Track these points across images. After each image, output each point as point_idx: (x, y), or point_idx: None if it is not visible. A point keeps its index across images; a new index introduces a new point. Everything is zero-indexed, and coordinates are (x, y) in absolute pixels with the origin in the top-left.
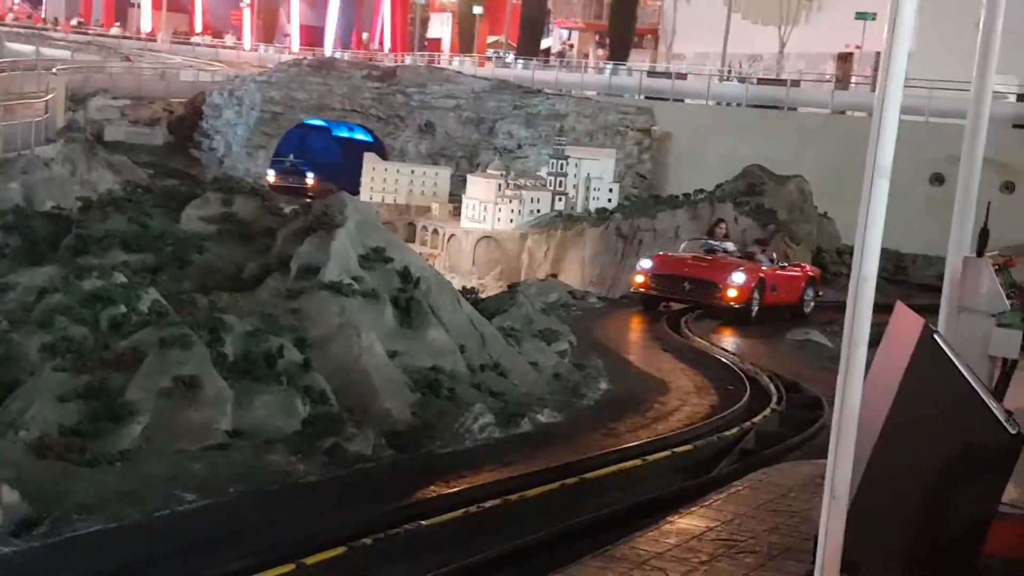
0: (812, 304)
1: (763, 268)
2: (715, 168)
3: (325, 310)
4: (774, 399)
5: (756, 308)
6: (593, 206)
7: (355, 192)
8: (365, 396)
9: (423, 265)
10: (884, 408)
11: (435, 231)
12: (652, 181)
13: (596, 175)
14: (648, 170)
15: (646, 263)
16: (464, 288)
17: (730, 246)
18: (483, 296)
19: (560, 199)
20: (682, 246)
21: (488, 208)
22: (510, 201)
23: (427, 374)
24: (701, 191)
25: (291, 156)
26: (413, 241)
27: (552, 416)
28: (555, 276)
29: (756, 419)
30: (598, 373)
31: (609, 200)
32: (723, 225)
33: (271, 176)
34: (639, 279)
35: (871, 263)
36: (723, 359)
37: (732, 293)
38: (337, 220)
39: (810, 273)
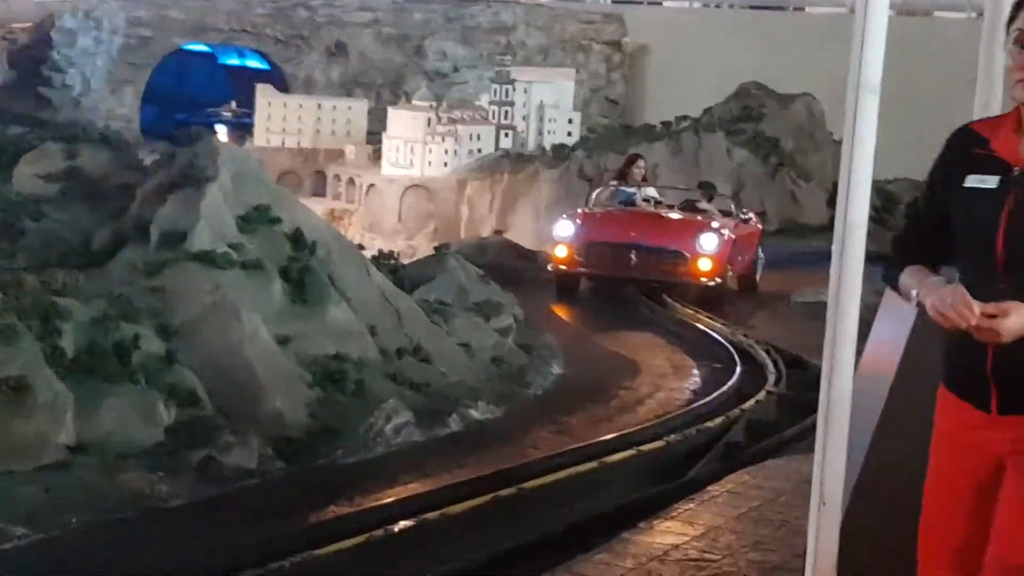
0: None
1: (728, 225)
2: (702, 88)
3: (194, 287)
4: (771, 379)
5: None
6: (548, 142)
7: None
8: (248, 395)
9: (321, 225)
10: (882, 390)
11: (350, 181)
12: (624, 107)
13: (551, 102)
14: (619, 94)
15: (564, 227)
16: (380, 253)
17: (652, 192)
18: (408, 262)
19: (507, 135)
20: (591, 196)
21: (416, 149)
22: (443, 139)
23: (327, 364)
24: (685, 118)
25: (232, 103)
26: (323, 195)
27: (489, 411)
28: (501, 233)
29: (746, 405)
30: (550, 354)
31: (569, 134)
32: (641, 163)
33: (222, 134)
34: (559, 251)
35: (859, 207)
36: (709, 330)
37: (704, 265)
38: (207, 172)
39: (759, 227)
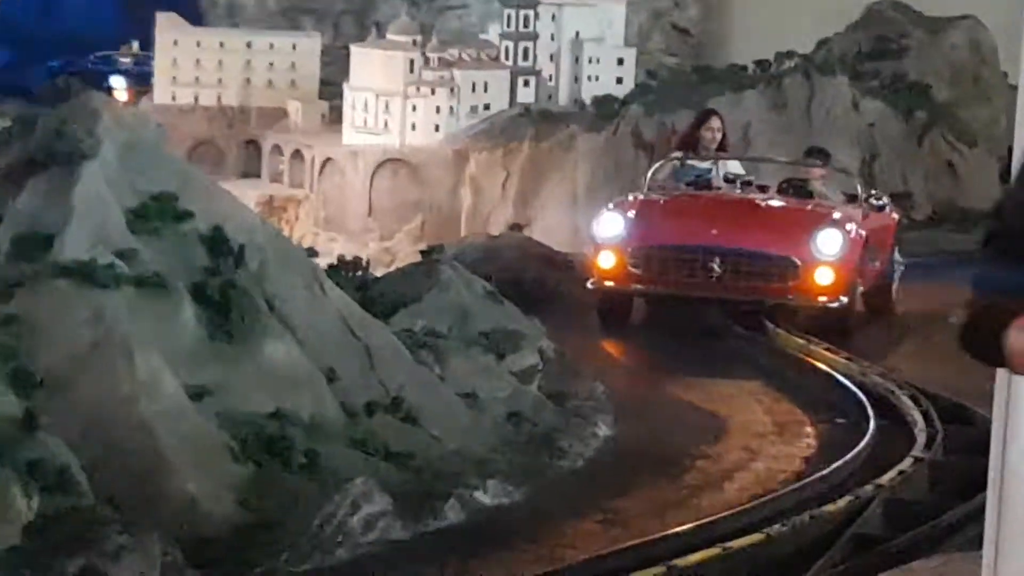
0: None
1: (855, 217)
2: (815, 10)
3: (66, 316)
4: (920, 439)
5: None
6: (589, 93)
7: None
8: (146, 473)
9: (252, 222)
10: None
11: (296, 154)
12: (701, 40)
13: (592, 35)
14: (693, 19)
15: (611, 223)
16: (341, 261)
17: (736, 167)
18: (383, 273)
19: (527, 83)
20: (648, 175)
21: (392, 107)
22: (433, 91)
23: (263, 426)
24: (789, 54)
25: (134, 44)
26: (256, 174)
27: (503, 493)
28: (521, 228)
29: (884, 479)
30: (594, 408)
31: (619, 80)
32: (717, 124)
33: (120, 91)
34: (604, 260)
35: None
36: (830, 370)
37: (823, 277)
38: (82, 146)
39: (894, 216)
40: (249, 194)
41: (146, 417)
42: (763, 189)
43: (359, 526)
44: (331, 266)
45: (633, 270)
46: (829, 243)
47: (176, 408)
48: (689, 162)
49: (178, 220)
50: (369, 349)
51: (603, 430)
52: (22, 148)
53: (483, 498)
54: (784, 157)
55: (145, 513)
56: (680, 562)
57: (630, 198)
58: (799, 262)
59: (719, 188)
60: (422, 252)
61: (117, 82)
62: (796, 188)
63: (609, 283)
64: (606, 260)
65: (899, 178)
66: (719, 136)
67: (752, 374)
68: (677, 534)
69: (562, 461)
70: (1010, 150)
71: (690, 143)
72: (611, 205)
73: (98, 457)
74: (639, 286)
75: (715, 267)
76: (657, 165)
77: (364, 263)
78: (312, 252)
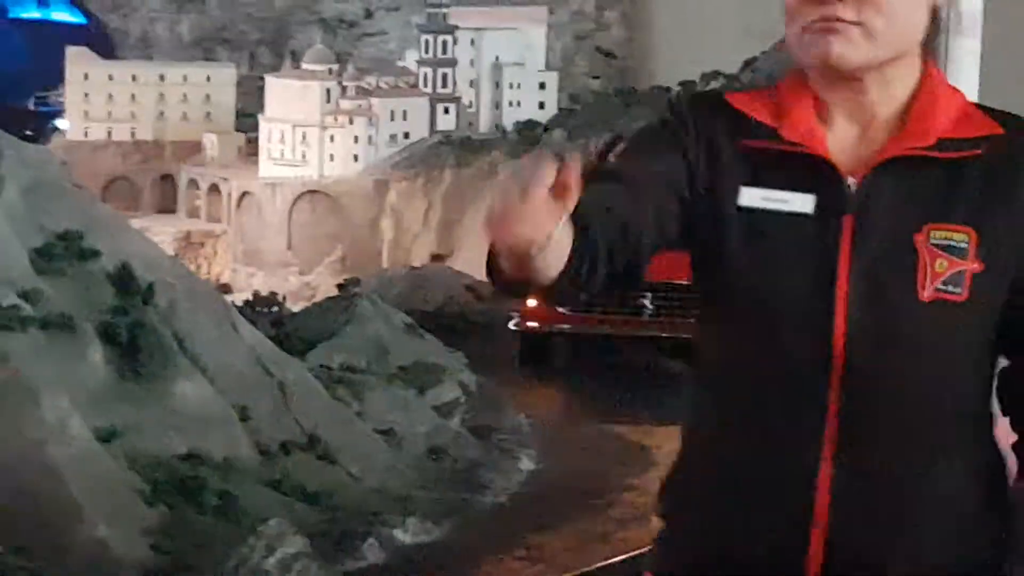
0: None
1: None
2: (738, 30)
3: None
4: None
5: None
6: (511, 119)
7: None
8: (55, 519)
9: (160, 259)
10: None
11: (213, 188)
12: (625, 63)
13: (512, 59)
14: (617, 41)
15: None
16: (256, 297)
17: None
18: (299, 308)
19: (447, 110)
20: None
21: (310, 137)
22: (351, 121)
23: (175, 467)
24: (716, 75)
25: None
26: (173, 210)
27: (423, 531)
28: (443, 258)
29: None
30: (517, 441)
31: (541, 105)
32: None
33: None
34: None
35: None
36: None
37: None
38: None
39: None
40: (166, 230)
41: (54, 461)
42: None
43: (275, 568)
44: (246, 302)
45: (559, 310)
46: None
47: (85, 451)
48: None
49: (84, 259)
50: (283, 386)
51: (526, 464)
52: None
53: (403, 536)
54: None
55: (54, 560)
56: None
57: None
58: None
59: None
60: (339, 286)
61: (63, 123)
62: None
63: (534, 325)
64: (532, 300)
65: None
66: None
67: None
68: (601, 569)
69: (484, 496)
70: None
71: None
72: None
73: (4, 503)
74: (566, 327)
75: (646, 303)
76: None
77: (280, 298)
78: (226, 288)
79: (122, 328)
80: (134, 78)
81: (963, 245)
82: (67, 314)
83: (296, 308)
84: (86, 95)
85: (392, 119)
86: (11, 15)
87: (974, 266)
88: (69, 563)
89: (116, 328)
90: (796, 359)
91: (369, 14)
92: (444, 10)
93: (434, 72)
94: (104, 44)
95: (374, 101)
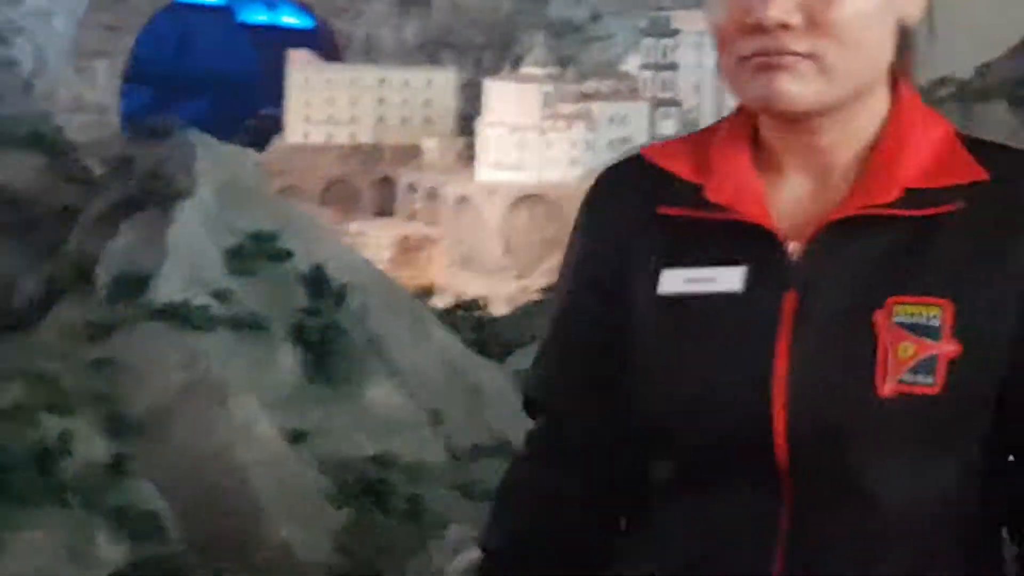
0: None
1: None
2: (974, 35)
3: (159, 358)
4: None
5: None
6: None
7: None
8: (240, 519)
9: (353, 262)
10: None
11: (431, 192)
12: None
13: None
14: None
15: None
16: (459, 303)
17: None
18: (506, 312)
19: (667, 114)
20: None
21: (529, 141)
22: (570, 125)
23: (364, 470)
24: (944, 81)
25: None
26: (390, 213)
27: None
28: None
29: None
30: None
31: None
32: None
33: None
34: None
35: None
36: None
37: None
38: (179, 186)
39: None
40: (383, 233)
41: (241, 463)
42: None
43: (457, 573)
44: (450, 307)
45: None
46: None
47: (272, 453)
48: None
49: (277, 260)
50: (477, 390)
51: None
52: (120, 190)
53: None
54: None
55: (237, 558)
56: None
57: None
58: None
59: None
60: (543, 291)
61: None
62: None
63: None
64: None
65: None
66: None
67: None
68: None
69: None
70: None
71: None
72: None
73: (190, 503)
74: None
75: None
76: None
77: (481, 304)
78: (430, 291)
79: (314, 330)
80: (354, 82)
81: (935, 323)
82: (258, 314)
83: (509, 312)
84: (307, 99)
85: (611, 123)
86: (240, 20)
87: (949, 348)
88: (252, 563)
89: (308, 329)
90: (738, 469)
91: (596, 17)
92: (667, 13)
93: (655, 76)
94: (330, 48)
95: (593, 105)
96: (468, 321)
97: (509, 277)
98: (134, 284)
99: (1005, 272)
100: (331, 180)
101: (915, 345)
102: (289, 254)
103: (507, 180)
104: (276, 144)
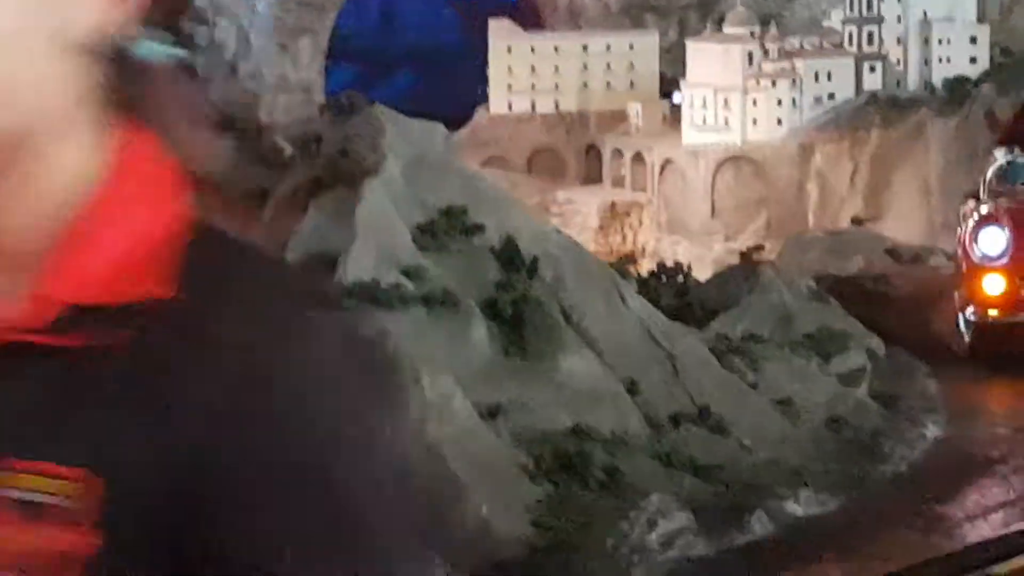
0: None
1: None
2: None
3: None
4: None
5: None
6: (940, 76)
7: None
8: (436, 497)
9: (545, 232)
10: None
11: (637, 157)
12: None
13: (942, 14)
14: None
15: (994, 238)
16: (661, 268)
17: None
18: (710, 276)
19: (873, 69)
20: (986, 178)
21: (732, 102)
22: (774, 84)
23: (561, 443)
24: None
25: None
26: (597, 180)
27: (817, 502)
28: (862, 222)
29: None
30: (923, 407)
31: (972, 60)
32: None
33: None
34: (990, 285)
35: None
36: None
37: None
38: (367, 163)
39: None
40: (591, 200)
41: (436, 439)
42: None
43: (657, 544)
44: (652, 273)
45: None
46: None
47: (467, 429)
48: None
49: (468, 234)
50: (673, 358)
51: (932, 431)
52: (308, 168)
53: (794, 509)
54: None
55: (434, 539)
56: (999, 569)
57: (1006, 205)
58: None
59: None
60: (741, 254)
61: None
62: None
63: (996, 314)
64: (994, 285)
65: None
66: None
67: None
68: (1001, 539)
69: (883, 466)
70: None
71: (1017, 133)
72: (986, 214)
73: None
74: None
75: None
76: (995, 166)
77: (683, 269)
78: (631, 258)
79: (506, 303)
80: (556, 49)
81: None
82: (450, 290)
83: (720, 276)
84: (509, 68)
85: (816, 80)
86: None
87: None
88: (452, 540)
89: (501, 303)
90: None
91: None
92: None
93: (859, 30)
94: (532, 16)
95: (797, 62)
96: (670, 287)
97: (716, 239)
98: (323, 264)
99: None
100: (536, 149)
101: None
102: (480, 228)
103: (712, 142)
104: (479, 115)
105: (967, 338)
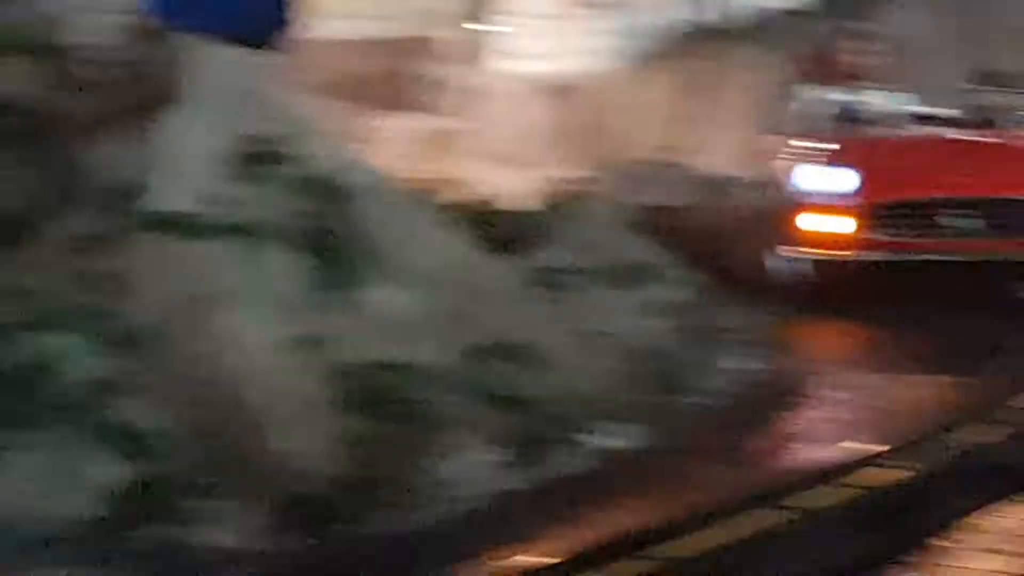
0: None
1: None
2: None
3: (155, 270)
4: None
5: None
6: (751, 6)
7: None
8: (240, 433)
9: (356, 162)
10: None
11: (453, 85)
12: None
13: None
14: None
15: (843, 176)
16: (473, 198)
17: (874, 99)
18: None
19: None
20: (793, 108)
21: (549, 30)
22: (591, 14)
23: (372, 376)
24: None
25: None
26: (413, 107)
27: (624, 435)
28: (674, 153)
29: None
30: (741, 340)
31: None
32: (858, 43)
33: None
34: (836, 224)
35: None
36: None
37: None
38: (173, 89)
39: None
40: (407, 127)
41: (240, 373)
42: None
43: (464, 478)
44: (461, 204)
45: (880, 236)
46: None
47: (272, 362)
48: (834, 97)
49: (276, 163)
50: (485, 289)
51: (739, 363)
52: (112, 93)
53: (601, 442)
54: (956, 80)
55: (239, 474)
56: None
57: (845, 140)
58: None
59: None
60: (553, 184)
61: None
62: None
63: (844, 254)
64: (840, 224)
65: None
66: (864, 60)
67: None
68: (803, 474)
69: (689, 399)
70: None
71: (825, 70)
72: (831, 151)
73: (186, 418)
74: (890, 256)
75: (981, 225)
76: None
77: (496, 198)
78: (441, 188)
79: (315, 234)
80: None
81: None
82: (258, 220)
83: (530, 206)
84: None
85: (634, 11)
86: None
87: None
88: (255, 477)
89: (308, 234)
90: None
91: None
92: None
93: None
94: None
95: None
96: (481, 216)
97: (530, 168)
98: (126, 193)
99: None
100: (352, 75)
101: None
102: (289, 157)
103: (535, 70)
104: (296, 41)
105: (801, 277)
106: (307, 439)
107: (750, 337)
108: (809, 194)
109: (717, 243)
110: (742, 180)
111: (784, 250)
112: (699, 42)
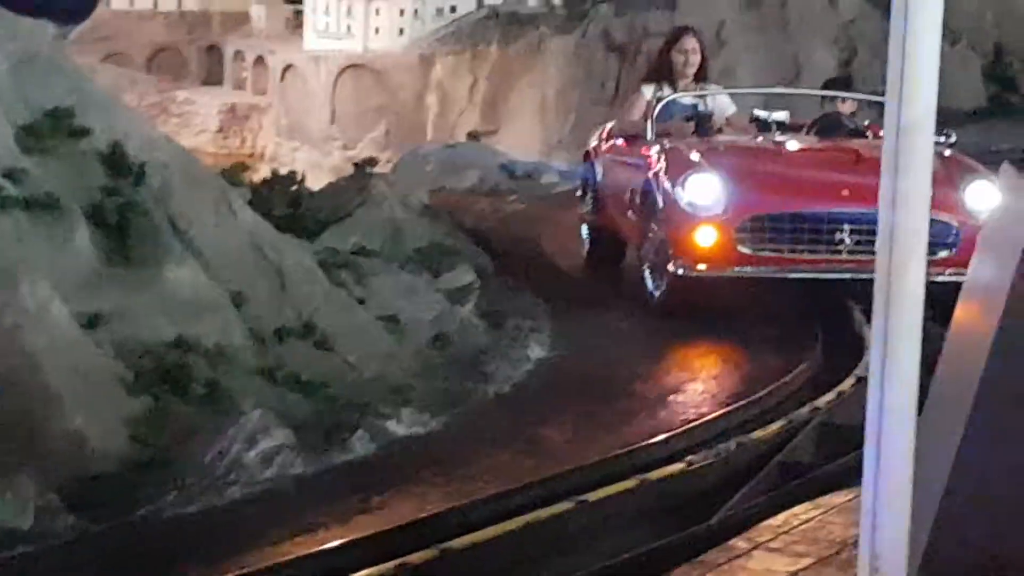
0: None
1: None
2: None
3: None
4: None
5: None
6: None
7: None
8: (29, 410)
9: (154, 139)
10: (973, 375)
11: (259, 60)
12: None
13: None
14: None
15: (707, 183)
16: (274, 176)
17: (726, 103)
18: (324, 187)
19: None
20: (636, 105)
21: (354, 10)
22: None
23: (164, 355)
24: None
25: None
26: (218, 82)
27: (419, 422)
28: (477, 137)
29: (822, 401)
30: (530, 328)
31: None
32: (692, 42)
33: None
34: (703, 238)
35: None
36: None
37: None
38: None
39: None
40: (211, 102)
41: (32, 349)
42: (796, 129)
43: (255, 461)
44: (265, 180)
45: (746, 249)
46: (983, 199)
47: (66, 338)
48: (669, 96)
49: (74, 137)
50: (281, 271)
51: (536, 352)
52: None
53: (395, 428)
54: (765, 67)
55: (29, 451)
56: (592, 496)
57: (709, 152)
58: (956, 226)
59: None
60: (355, 165)
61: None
62: (838, 127)
63: (707, 269)
64: (707, 237)
65: (878, 78)
66: (696, 59)
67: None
68: (587, 466)
69: (487, 386)
70: (996, 47)
71: (661, 69)
72: (695, 160)
73: None
74: (749, 269)
75: (845, 239)
76: (632, 100)
77: (298, 177)
78: (245, 165)
79: (111, 210)
80: None
81: None
82: (53, 194)
83: (332, 186)
84: None
85: None
86: None
87: None
88: (44, 454)
89: (105, 210)
90: None
91: None
92: None
93: None
94: None
95: None
96: (283, 196)
97: (335, 147)
98: None
99: None
100: (158, 47)
101: None
102: (87, 131)
103: (334, 48)
104: (100, 11)
105: (658, 292)
106: (102, 417)
107: (549, 325)
108: (701, 208)
109: (521, 226)
110: (547, 164)
111: (674, 268)
112: (503, 26)
